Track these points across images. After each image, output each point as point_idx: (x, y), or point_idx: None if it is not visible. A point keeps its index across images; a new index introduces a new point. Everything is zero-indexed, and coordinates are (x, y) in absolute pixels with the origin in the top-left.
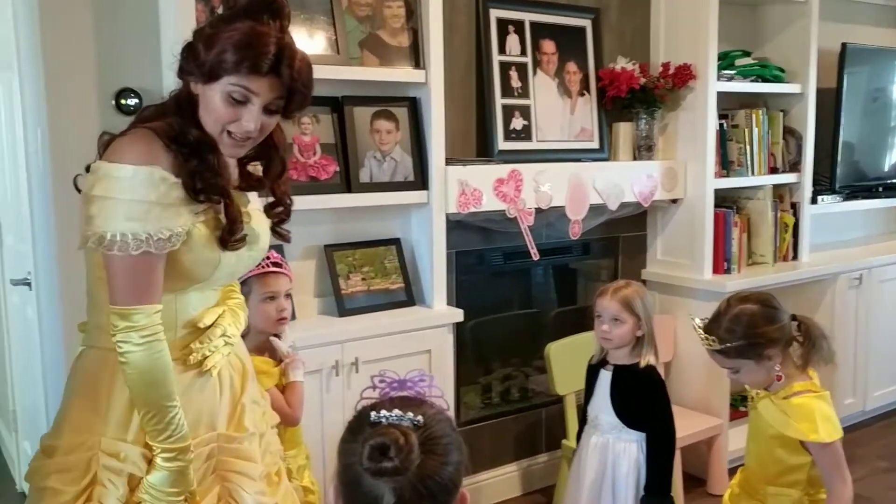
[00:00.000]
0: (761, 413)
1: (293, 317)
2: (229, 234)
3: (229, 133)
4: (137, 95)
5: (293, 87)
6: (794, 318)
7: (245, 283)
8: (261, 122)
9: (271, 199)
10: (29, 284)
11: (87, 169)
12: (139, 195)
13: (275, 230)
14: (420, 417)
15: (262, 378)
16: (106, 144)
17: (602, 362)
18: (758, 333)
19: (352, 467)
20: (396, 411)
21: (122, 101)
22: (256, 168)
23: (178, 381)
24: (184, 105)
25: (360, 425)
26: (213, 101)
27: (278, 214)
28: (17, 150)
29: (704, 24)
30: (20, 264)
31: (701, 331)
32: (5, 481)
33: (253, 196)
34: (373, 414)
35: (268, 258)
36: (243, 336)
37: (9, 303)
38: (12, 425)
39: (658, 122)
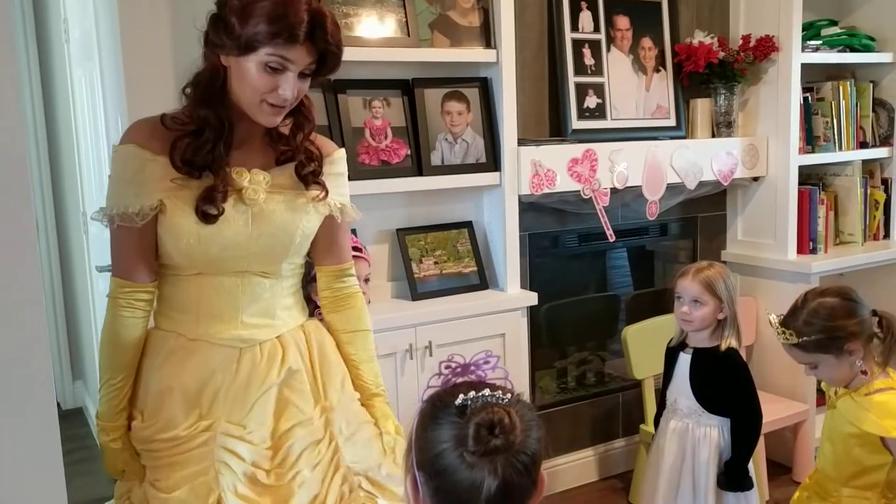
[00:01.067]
0: (840, 410)
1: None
2: (202, 202)
3: (267, 102)
4: None
5: (328, 51)
6: (874, 313)
7: None
8: (297, 88)
9: (301, 159)
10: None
11: None
12: (116, 172)
13: (313, 182)
14: (508, 396)
15: None
16: None
17: (681, 345)
18: (837, 327)
19: (443, 455)
20: (486, 391)
21: None
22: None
23: (189, 351)
24: (207, 79)
25: (442, 412)
26: (250, 72)
27: (313, 169)
28: (99, 140)
29: None
30: (105, 252)
31: (778, 325)
32: (93, 460)
33: (285, 178)
34: (460, 397)
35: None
36: (320, 317)
37: (96, 289)
38: (95, 407)
39: (738, 98)
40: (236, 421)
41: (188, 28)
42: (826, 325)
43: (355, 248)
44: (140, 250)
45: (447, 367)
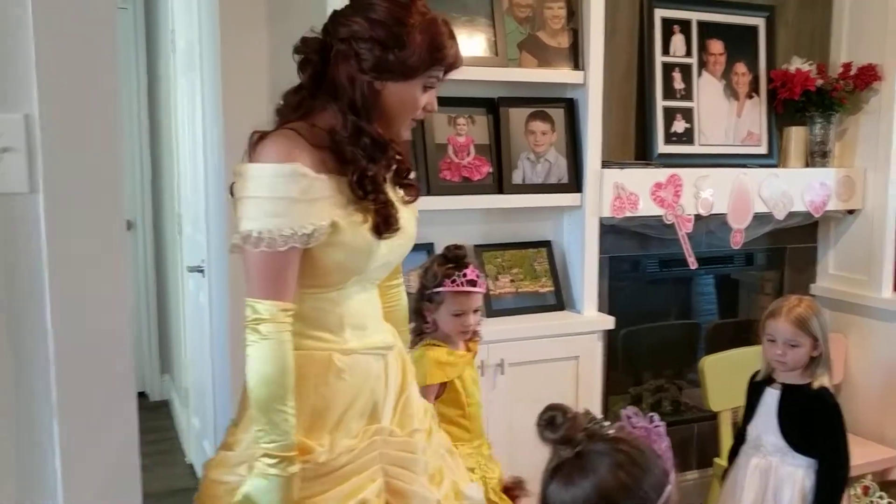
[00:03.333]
0: None
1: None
2: (385, 224)
3: (413, 118)
4: None
5: (457, 59)
6: None
7: (438, 295)
8: None
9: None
10: (202, 272)
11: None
12: (280, 192)
13: (404, 184)
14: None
15: (445, 368)
16: (254, 144)
17: (768, 380)
18: None
19: None
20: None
21: None
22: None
23: (346, 366)
24: (360, 104)
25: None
26: (409, 94)
27: (405, 167)
28: (196, 148)
29: (894, 21)
30: (196, 253)
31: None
32: (176, 452)
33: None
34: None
35: (464, 274)
36: (428, 332)
37: (186, 289)
38: (185, 402)
39: (835, 127)
40: (396, 425)
41: (283, 38)
42: None
43: (471, 282)
44: (295, 270)
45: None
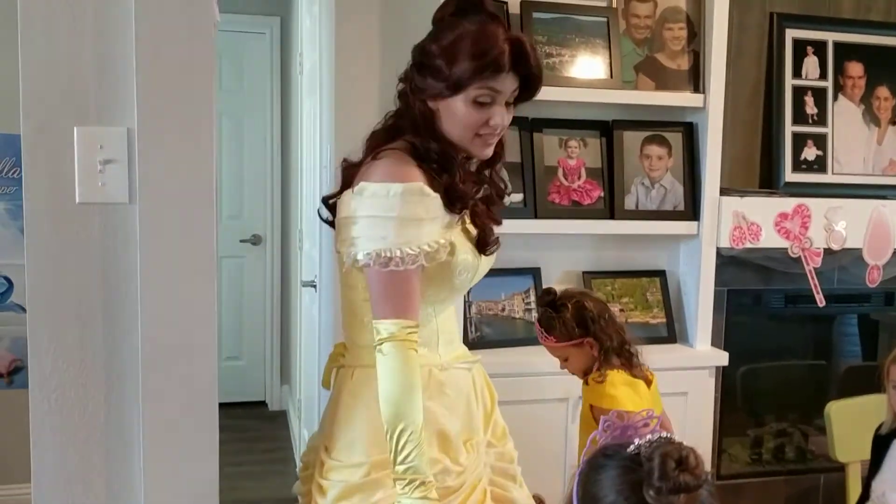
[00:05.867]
0: None
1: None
2: (485, 238)
3: (478, 135)
4: None
5: (530, 74)
6: None
7: None
8: (505, 115)
9: (492, 192)
10: (314, 286)
11: (325, 200)
12: (407, 211)
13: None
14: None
15: (626, 390)
16: (347, 170)
17: (895, 432)
18: None
19: None
20: (657, 434)
21: None
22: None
23: (446, 381)
24: (421, 123)
25: (613, 461)
26: (460, 110)
27: (497, 191)
28: (315, 165)
29: None
30: (311, 268)
31: None
32: (289, 461)
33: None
34: (630, 447)
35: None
36: None
37: (302, 302)
38: (298, 412)
39: None
40: (489, 437)
41: (395, 65)
42: None
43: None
44: (418, 288)
45: (607, 426)
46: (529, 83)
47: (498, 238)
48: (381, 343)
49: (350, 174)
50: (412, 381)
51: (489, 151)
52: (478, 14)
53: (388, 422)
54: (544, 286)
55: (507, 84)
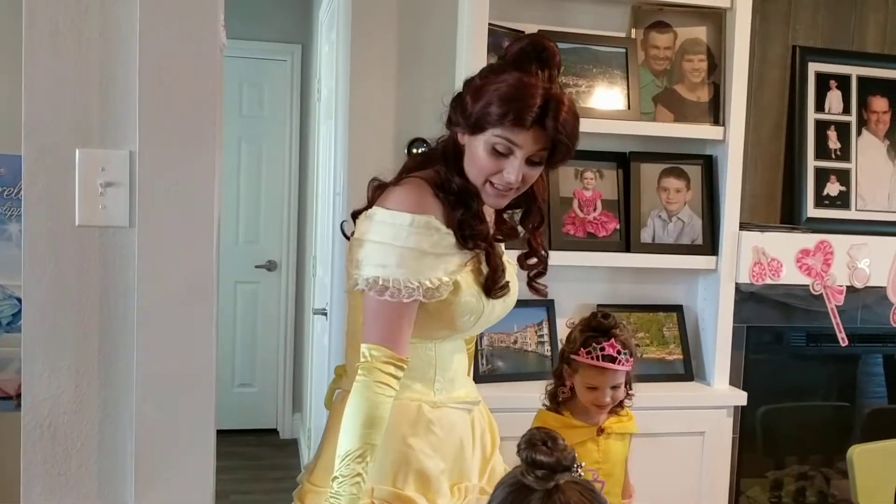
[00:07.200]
0: None
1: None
2: (493, 283)
3: (491, 184)
4: (427, 145)
5: (557, 140)
6: None
7: (575, 361)
8: (523, 174)
9: (525, 251)
10: (326, 314)
11: (353, 215)
12: (412, 243)
13: (531, 284)
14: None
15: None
16: (375, 190)
17: None
18: None
19: None
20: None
21: (413, 150)
22: (512, 217)
23: (436, 419)
24: (450, 154)
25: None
26: (477, 151)
27: (534, 266)
28: (329, 191)
29: None
30: (323, 295)
31: None
32: None
33: (501, 246)
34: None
35: (602, 347)
36: (563, 396)
37: (314, 329)
38: (308, 441)
39: None
40: (486, 483)
41: (410, 93)
42: None
43: (608, 357)
44: (411, 322)
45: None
46: (556, 148)
47: (508, 283)
48: (359, 366)
49: (377, 195)
50: (373, 415)
51: (500, 203)
52: (542, 67)
53: (339, 444)
54: (558, 319)
55: (528, 141)
